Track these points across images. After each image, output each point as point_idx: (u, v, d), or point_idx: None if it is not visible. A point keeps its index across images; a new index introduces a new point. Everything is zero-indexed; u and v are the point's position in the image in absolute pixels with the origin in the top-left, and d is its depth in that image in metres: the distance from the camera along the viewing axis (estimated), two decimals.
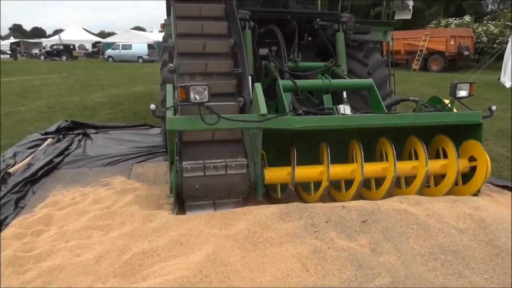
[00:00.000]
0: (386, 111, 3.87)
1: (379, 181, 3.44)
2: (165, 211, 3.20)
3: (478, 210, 2.94)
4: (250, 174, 3.27)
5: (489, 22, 25.91)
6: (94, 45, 46.44)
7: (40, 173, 4.51)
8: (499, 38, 23.57)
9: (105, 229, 3.01)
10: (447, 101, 3.73)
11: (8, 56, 41.69)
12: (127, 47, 35.67)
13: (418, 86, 14.06)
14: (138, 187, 4.01)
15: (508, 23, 24.38)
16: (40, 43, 48.85)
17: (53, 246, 2.81)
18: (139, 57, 34.81)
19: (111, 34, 62.21)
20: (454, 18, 27.45)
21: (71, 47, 39.94)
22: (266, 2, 5.60)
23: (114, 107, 9.36)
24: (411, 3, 7.79)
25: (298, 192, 3.65)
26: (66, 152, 5.46)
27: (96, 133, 6.68)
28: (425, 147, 3.40)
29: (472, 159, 3.51)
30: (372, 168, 3.39)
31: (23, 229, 3.13)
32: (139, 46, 35.54)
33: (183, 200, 3.28)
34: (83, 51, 43.90)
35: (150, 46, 35.63)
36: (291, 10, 5.33)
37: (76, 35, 47.82)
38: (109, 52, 36.61)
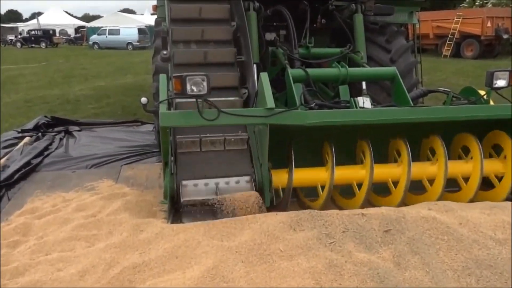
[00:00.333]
0: (412, 104, 3.85)
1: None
2: (158, 220, 3.21)
3: None
4: (255, 177, 3.30)
5: None
6: (77, 30, 46.71)
7: (16, 176, 4.54)
8: None
9: (90, 240, 3.02)
10: (482, 92, 3.71)
11: None
12: (114, 32, 35.82)
13: (449, 75, 13.98)
14: (128, 192, 4.02)
15: None
16: (16, 28, 49.26)
17: (32, 259, 2.82)
18: (128, 43, 34.93)
19: (96, 17, 62.57)
20: None
21: (51, 32, 40.14)
22: None
23: (100, 101, 9.40)
24: None
25: (299, 198, 3.68)
26: (45, 153, 5.49)
27: (79, 130, 6.71)
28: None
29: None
30: (383, 171, 3.40)
31: None
32: (128, 31, 35.66)
33: (179, 206, 3.30)
34: (64, 37, 44.15)
35: (140, 31, 35.74)
36: None
37: (57, 18, 48.11)
38: (94, 38, 36.80)
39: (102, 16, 51.60)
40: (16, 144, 5.75)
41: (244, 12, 4.20)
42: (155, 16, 6.02)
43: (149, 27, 34.28)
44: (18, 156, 5.19)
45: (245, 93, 3.85)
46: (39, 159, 5.20)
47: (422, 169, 3.47)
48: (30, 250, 2.94)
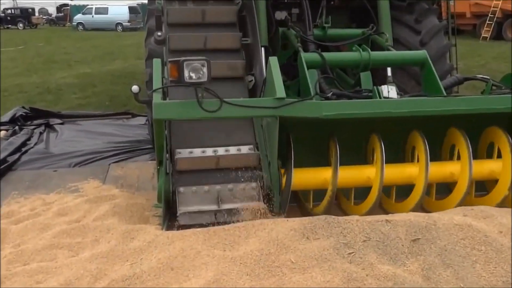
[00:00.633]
0: (445, 94, 3.82)
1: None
2: (151, 226, 3.21)
3: None
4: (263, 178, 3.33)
5: None
6: (59, 9, 46.91)
7: None
8: None
9: (74, 249, 3.03)
10: None
11: None
12: (102, 11, 35.94)
13: (489, 61, 13.87)
14: (117, 194, 4.03)
15: None
16: None
17: (8, 270, 2.84)
18: (118, 24, 35.03)
19: None
20: None
21: (30, 11, 40.36)
22: None
23: (85, 90, 9.45)
24: None
25: (298, 202, 3.71)
26: (23, 149, 5.52)
27: (62, 123, 6.74)
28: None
29: None
30: (396, 172, 3.42)
31: None
32: (118, 9, 35.74)
33: (174, 211, 3.31)
34: (45, 17, 44.37)
35: (132, 10, 35.83)
36: None
37: None
38: (78, 18, 36.92)
39: None
40: None
41: None
42: None
43: (142, 5, 34.37)
44: None
45: (251, 80, 3.87)
46: (16, 156, 5.22)
47: (441, 169, 3.47)
48: (6, 260, 2.95)
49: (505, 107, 3.33)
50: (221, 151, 3.42)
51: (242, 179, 3.35)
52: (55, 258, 2.93)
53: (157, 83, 3.34)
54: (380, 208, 3.53)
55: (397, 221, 2.91)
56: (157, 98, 3.17)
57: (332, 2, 5.36)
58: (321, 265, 2.60)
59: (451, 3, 7.36)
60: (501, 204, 3.38)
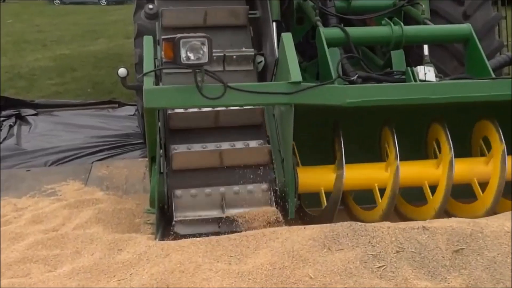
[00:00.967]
0: (493, 76, 3.78)
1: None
2: (143, 235, 3.23)
3: None
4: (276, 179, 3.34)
5: None
6: None
7: None
8: None
9: (51, 263, 3.04)
10: None
11: None
12: None
13: None
14: (101, 198, 4.04)
15: None
16: None
17: None
18: None
19: None
20: None
21: None
22: None
23: (63, 75, 9.48)
24: None
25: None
26: None
27: (35, 114, 6.77)
28: None
29: None
30: (413, 170, 3.45)
31: None
32: None
33: (170, 217, 3.33)
34: None
35: None
36: None
37: None
38: None
39: None
40: None
41: None
42: None
43: None
44: None
45: (261, 61, 3.88)
46: None
47: (469, 168, 3.49)
48: None
49: None
50: (225, 145, 3.41)
51: (251, 179, 3.35)
52: (29, 274, 2.93)
53: (148, 66, 3.34)
54: (396, 214, 3.59)
55: (436, 228, 2.91)
56: (148, 83, 3.17)
57: None
58: (345, 281, 2.60)
59: None
60: None
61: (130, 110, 6.83)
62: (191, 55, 3.01)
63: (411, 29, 4.15)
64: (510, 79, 3.48)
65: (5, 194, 4.27)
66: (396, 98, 3.27)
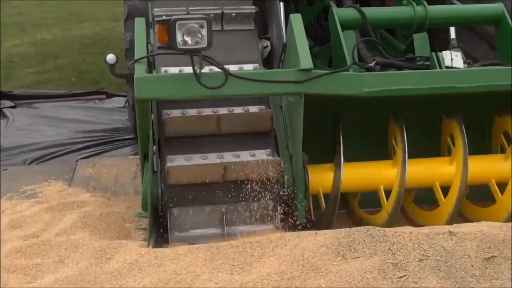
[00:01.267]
0: None
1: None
2: (134, 242, 3.19)
3: None
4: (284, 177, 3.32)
5: None
6: None
7: None
8: None
9: (32, 273, 2.97)
10: None
11: None
12: None
13: None
14: (87, 200, 4.00)
15: None
16: None
17: None
18: None
19: None
20: None
21: None
22: None
23: (44, 63, 9.33)
24: None
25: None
26: None
27: (13, 107, 6.61)
28: None
29: None
30: (422, 169, 3.41)
31: None
32: None
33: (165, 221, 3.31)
34: None
35: None
36: None
37: None
38: None
39: None
40: None
41: None
42: None
43: None
44: None
45: (267, 46, 3.83)
46: None
47: (486, 167, 3.45)
48: None
49: None
50: (228, 156, 3.31)
51: (257, 196, 3.29)
52: (7, 285, 2.87)
53: (140, 51, 3.28)
54: (401, 212, 3.52)
55: (464, 233, 2.85)
56: (140, 71, 3.12)
57: None
58: None
59: None
60: None
61: (119, 101, 6.70)
62: (188, 39, 2.93)
63: (435, 9, 4.01)
64: None
65: None
66: (419, 87, 3.21)
